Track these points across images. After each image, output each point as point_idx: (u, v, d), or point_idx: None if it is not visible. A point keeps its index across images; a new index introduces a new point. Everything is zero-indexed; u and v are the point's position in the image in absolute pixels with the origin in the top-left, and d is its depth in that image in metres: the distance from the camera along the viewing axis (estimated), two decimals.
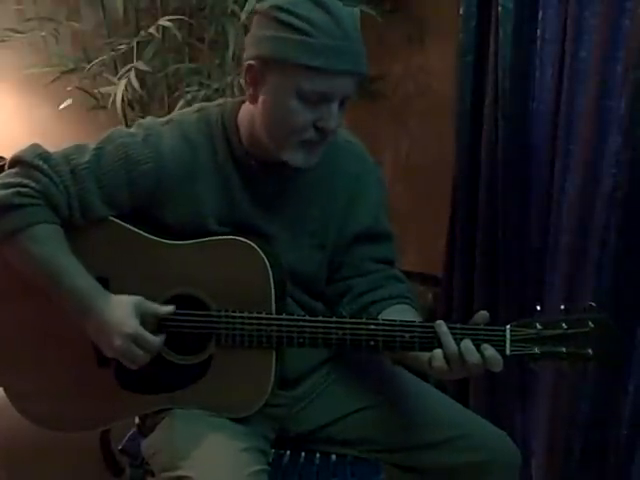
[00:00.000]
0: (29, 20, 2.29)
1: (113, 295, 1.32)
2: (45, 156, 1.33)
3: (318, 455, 1.50)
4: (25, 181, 1.30)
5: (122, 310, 1.29)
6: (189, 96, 2.11)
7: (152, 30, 2.07)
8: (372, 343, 1.30)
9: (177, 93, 2.22)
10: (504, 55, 2.00)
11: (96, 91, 2.24)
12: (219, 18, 2.18)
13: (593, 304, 1.25)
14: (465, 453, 1.39)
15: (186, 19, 2.20)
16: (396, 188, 2.42)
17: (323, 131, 1.28)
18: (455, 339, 1.24)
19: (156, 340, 1.31)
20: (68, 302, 1.32)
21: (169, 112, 1.49)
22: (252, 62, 1.27)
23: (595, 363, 1.23)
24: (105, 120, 2.23)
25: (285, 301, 1.39)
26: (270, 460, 1.44)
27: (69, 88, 2.27)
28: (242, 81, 1.35)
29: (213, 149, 1.37)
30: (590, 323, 1.23)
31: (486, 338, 1.24)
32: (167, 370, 1.37)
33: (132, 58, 2.11)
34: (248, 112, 1.35)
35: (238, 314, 1.33)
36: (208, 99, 1.99)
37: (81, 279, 1.31)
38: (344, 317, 1.40)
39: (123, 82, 2.05)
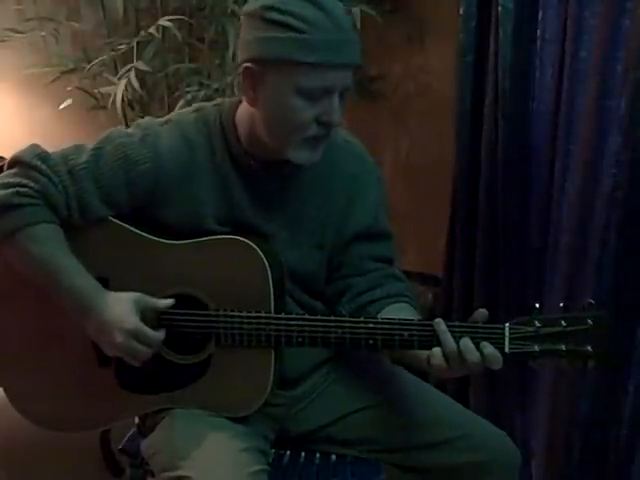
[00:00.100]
0: (29, 20, 2.28)
1: (112, 293, 1.32)
2: (44, 156, 1.33)
3: (318, 455, 1.50)
4: (24, 181, 1.31)
5: (122, 307, 1.30)
6: (189, 96, 2.11)
7: (152, 30, 2.07)
8: (371, 342, 1.30)
9: (177, 93, 2.21)
10: (504, 55, 2.00)
11: (96, 91, 2.24)
12: (219, 18, 2.18)
13: (592, 301, 1.24)
14: (465, 453, 1.39)
15: (186, 19, 2.19)
16: (396, 188, 2.41)
17: (326, 125, 1.28)
18: (454, 337, 1.24)
19: (157, 335, 1.32)
20: (68, 302, 1.33)
21: (169, 112, 1.49)
22: (248, 65, 1.27)
23: (594, 361, 1.23)
24: (105, 120, 2.23)
25: (284, 300, 1.39)
26: (270, 460, 1.44)
27: (69, 88, 2.27)
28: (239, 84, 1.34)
29: (211, 149, 1.37)
30: (589, 320, 1.23)
31: (485, 336, 1.24)
32: (167, 370, 1.37)
33: (132, 58, 2.11)
34: (246, 112, 1.35)
35: (237, 313, 1.33)
36: (208, 99, 1.98)
37: (80, 278, 1.32)
38: (343, 316, 1.40)
39: (123, 82, 2.05)
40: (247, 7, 1.29)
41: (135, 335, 1.29)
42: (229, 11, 2.12)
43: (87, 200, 1.33)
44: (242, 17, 1.31)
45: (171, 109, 2.10)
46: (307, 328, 1.31)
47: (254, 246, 1.33)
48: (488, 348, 1.22)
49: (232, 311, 1.33)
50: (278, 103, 1.27)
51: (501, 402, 2.18)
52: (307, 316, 1.34)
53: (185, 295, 1.35)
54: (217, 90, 2.12)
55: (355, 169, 1.45)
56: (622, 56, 1.77)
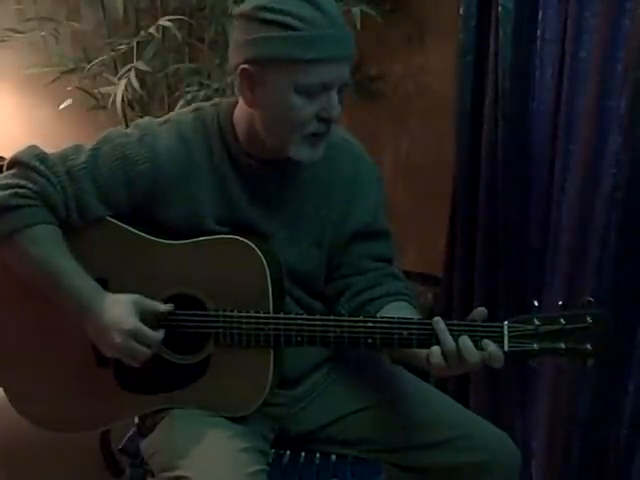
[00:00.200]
0: (29, 20, 2.28)
1: (111, 294, 1.32)
2: (42, 157, 1.33)
3: (318, 455, 1.50)
4: (22, 182, 1.31)
5: (120, 308, 1.30)
6: (189, 96, 2.11)
7: (152, 30, 2.07)
8: (370, 341, 1.29)
9: (177, 93, 2.21)
10: (504, 55, 1.99)
11: (96, 91, 2.24)
12: (219, 18, 2.18)
13: (591, 299, 1.24)
14: (465, 453, 1.39)
15: (186, 19, 2.19)
16: (396, 188, 2.41)
17: (327, 121, 1.29)
18: (453, 336, 1.24)
19: (156, 335, 1.31)
20: (67, 303, 1.33)
21: (169, 112, 1.49)
22: (245, 66, 1.27)
23: (594, 359, 1.23)
24: (105, 120, 2.23)
25: (283, 300, 1.38)
26: (270, 460, 1.44)
27: (69, 88, 2.27)
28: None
29: (209, 149, 1.37)
30: (588, 318, 1.23)
31: (484, 334, 1.24)
32: (166, 370, 1.37)
33: (132, 58, 2.11)
34: (244, 112, 1.35)
35: (236, 313, 1.33)
36: (208, 99, 1.97)
37: (79, 280, 1.32)
38: (342, 315, 1.40)
39: (123, 82, 2.05)
40: (239, 9, 1.29)
41: (134, 336, 1.29)
42: (229, 11, 2.11)
43: (85, 200, 1.34)
44: (235, 19, 1.31)
45: (171, 109, 2.10)
46: (306, 327, 1.31)
47: (253, 246, 1.33)
48: (490, 346, 1.22)
49: (231, 311, 1.33)
50: (277, 102, 1.27)
51: (502, 401, 2.18)
52: (306, 315, 1.34)
53: (184, 295, 1.35)
54: (217, 90, 2.12)
55: (354, 168, 1.45)
56: (622, 56, 1.77)
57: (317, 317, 1.32)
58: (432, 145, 2.42)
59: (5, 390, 1.45)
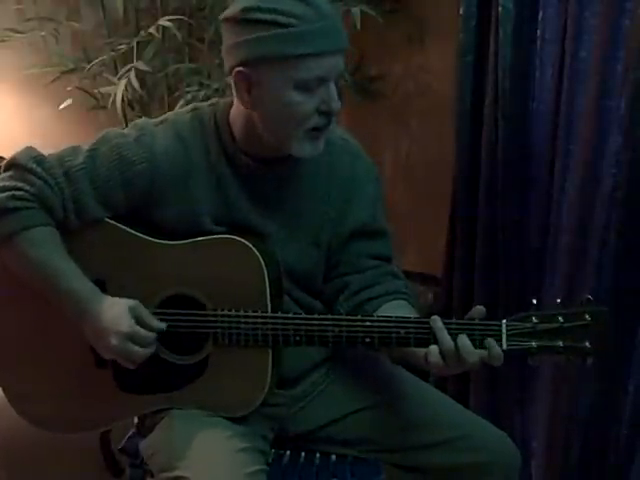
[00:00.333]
0: (29, 20, 2.28)
1: (109, 297, 1.33)
2: (39, 159, 1.33)
3: (318, 455, 1.50)
4: (19, 184, 1.31)
5: (117, 311, 1.30)
6: (189, 96, 2.11)
7: (152, 30, 2.07)
8: (368, 340, 1.29)
9: (177, 93, 2.21)
10: (504, 55, 1.99)
11: (96, 91, 2.23)
12: (219, 18, 2.18)
13: (590, 297, 1.24)
14: (465, 454, 1.39)
15: (186, 19, 2.19)
16: (396, 188, 2.42)
17: (327, 114, 1.29)
18: (451, 334, 1.24)
19: (153, 331, 1.31)
20: (65, 305, 1.33)
21: (169, 112, 1.49)
22: (239, 69, 1.27)
23: (594, 357, 1.23)
24: (105, 120, 2.22)
25: (281, 299, 1.38)
26: (270, 460, 1.44)
27: (69, 88, 2.26)
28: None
29: (206, 148, 1.37)
30: (587, 316, 1.22)
31: (482, 333, 1.24)
32: (165, 370, 1.37)
33: (132, 58, 2.11)
34: (240, 112, 1.34)
35: (234, 313, 1.33)
36: (208, 99, 1.97)
37: (77, 282, 1.32)
38: (340, 314, 1.40)
39: (123, 82, 2.05)
40: (226, 13, 1.29)
41: (131, 337, 1.29)
42: None
43: (83, 201, 1.34)
44: (222, 24, 1.30)
45: (171, 109, 2.09)
46: (304, 327, 1.31)
47: (250, 245, 1.33)
48: (489, 345, 1.22)
49: (229, 311, 1.33)
50: (277, 101, 1.27)
51: (501, 401, 2.18)
52: (304, 315, 1.34)
53: (182, 295, 1.35)
54: (217, 90, 2.12)
55: (352, 167, 1.45)
56: (622, 56, 1.77)
57: (315, 317, 1.32)
58: (432, 145, 2.42)
59: (4, 390, 1.45)
